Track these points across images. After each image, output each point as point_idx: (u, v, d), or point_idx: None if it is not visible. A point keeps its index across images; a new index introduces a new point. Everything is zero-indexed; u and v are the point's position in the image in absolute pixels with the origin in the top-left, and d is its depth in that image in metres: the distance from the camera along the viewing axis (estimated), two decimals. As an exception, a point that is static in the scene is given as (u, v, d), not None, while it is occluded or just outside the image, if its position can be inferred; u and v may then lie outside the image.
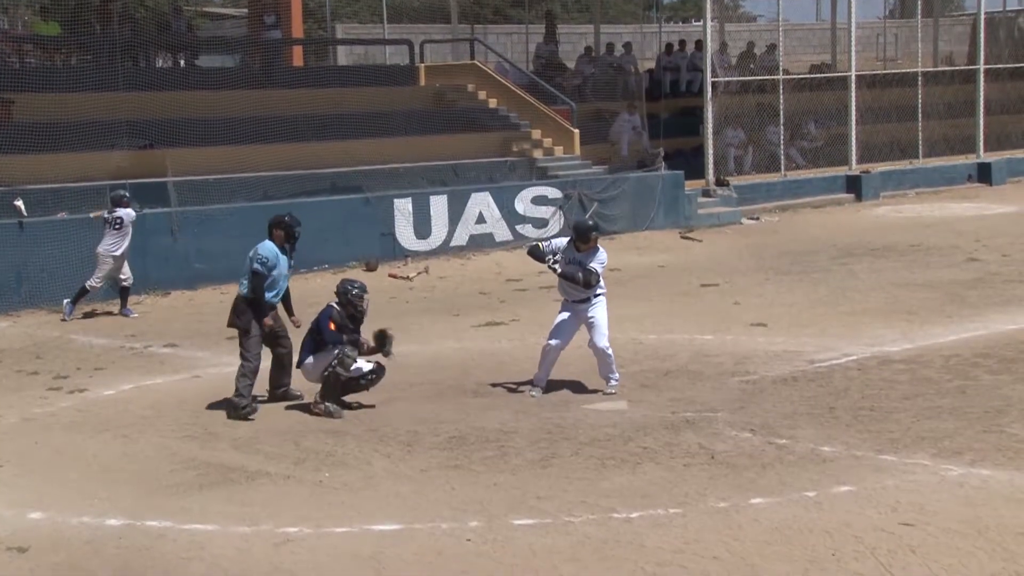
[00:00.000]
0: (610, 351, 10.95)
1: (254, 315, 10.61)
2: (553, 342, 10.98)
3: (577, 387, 11.19)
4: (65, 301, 15.53)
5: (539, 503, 8.13)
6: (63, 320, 15.35)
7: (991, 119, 29.05)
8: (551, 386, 11.11)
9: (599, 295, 10.99)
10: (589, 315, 10.93)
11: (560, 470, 8.85)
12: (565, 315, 11.06)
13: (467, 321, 14.71)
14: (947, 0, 34.99)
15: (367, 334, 10.83)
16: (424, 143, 21.71)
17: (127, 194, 15.95)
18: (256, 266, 10.57)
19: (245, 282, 10.69)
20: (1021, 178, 28.43)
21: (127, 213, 15.61)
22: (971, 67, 29.67)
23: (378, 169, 20.59)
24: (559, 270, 10.91)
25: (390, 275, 18.26)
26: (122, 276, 15.79)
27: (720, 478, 8.53)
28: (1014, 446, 9.03)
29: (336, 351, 10.48)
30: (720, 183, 24.21)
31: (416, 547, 7.45)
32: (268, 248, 10.68)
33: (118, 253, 15.58)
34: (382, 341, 10.73)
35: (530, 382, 11.15)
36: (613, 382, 11.00)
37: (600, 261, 10.91)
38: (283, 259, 10.77)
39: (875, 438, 9.36)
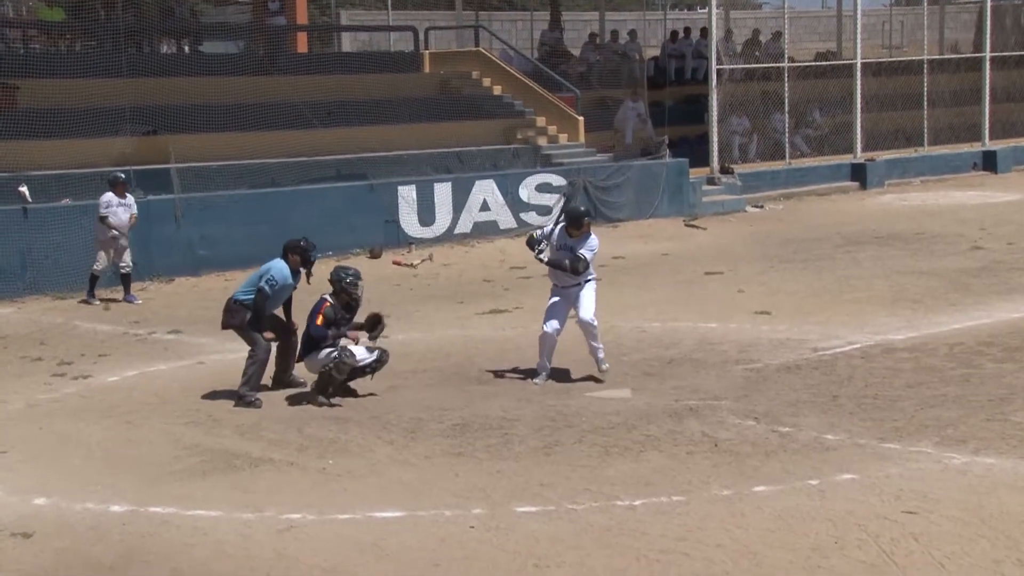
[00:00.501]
0: (595, 323, 10.92)
1: (253, 325, 10.60)
2: (548, 328, 10.98)
3: (580, 374, 11.19)
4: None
5: (542, 490, 8.14)
6: (89, 304, 15.44)
7: (997, 107, 28.99)
8: (554, 374, 11.11)
9: (589, 280, 10.99)
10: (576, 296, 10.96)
11: (563, 457, 8.86)
12: (555, 299, 11.07)
13: (471, 308, 14.71)
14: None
15: (363, 316, 10.80)
16: (428, 130, 21.70)
17: (122, 176, 15.88)
18: (264, 285, 10.56)
19: (248, 291, 10.68)
20: (1029, 167, 28.36)
21: (103, 198, 15.62)
22: (977, 55, 29.57)
23: (382, 156, 20.58)
24: (544, 259, 10.92)
25: (394, 262, 18.26)
26: (120, 263, 15.78)
27: (723, 466, 8.54)
28: (1018, 434, 9.02)
29: (333, 353, 10.40)
30: (724, 171, 24.18)
31: (419, 534, 7.46)
32: (280, 273, 10.63)
33: (101, 237, 15.59)
34: (373, 326, 10.67)
35: (533, 371, 11.15)
36: (601, 354, 11.00)
37: (590, 248, 10.90)
38: (291, 282, 10.76)
39: (878, 426, 9.36)
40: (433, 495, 8.12)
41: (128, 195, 15.86)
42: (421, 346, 12.61)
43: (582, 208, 11.34)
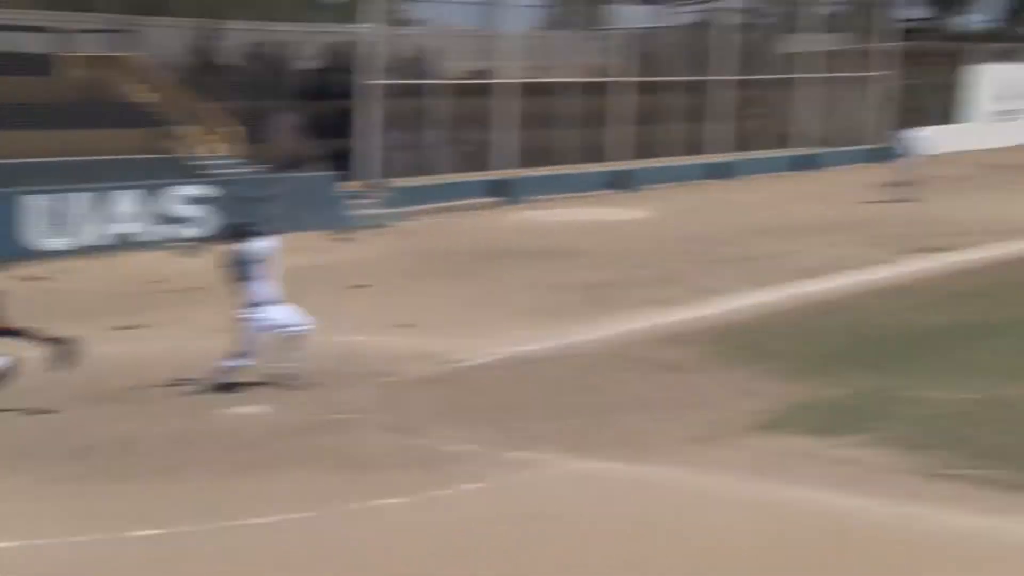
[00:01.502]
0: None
1: None
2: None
3: (222, 389, 10.94)
4: None
5: (166, 513, 7.87)
6: None
7: (631, 129, 30.84)
8: (198, 389, 10.86)
9: None
10: None
11: (193, 477, 8.62)
12: None
13: (106, 323, 14.05)
14: (594, 16, 36.84)
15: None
16: (67, 137, 20.56)
17: None
18: None
19: None
20: (658, 185, 30.18)
21: None
22: (615, 79, 31.33)
23: (10, 164, 19.28)
24: None
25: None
26: None
27: (358, 481, 8.56)
28: (633, 439, 9.56)
29: None
30: (376, 185, 24.37)
31: (39, 564, 7.06)
32: None
33: None
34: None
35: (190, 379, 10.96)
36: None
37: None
38: None
39: (510, 436, 9.66)
40: (52, 523, 7.67)
41: None
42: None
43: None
